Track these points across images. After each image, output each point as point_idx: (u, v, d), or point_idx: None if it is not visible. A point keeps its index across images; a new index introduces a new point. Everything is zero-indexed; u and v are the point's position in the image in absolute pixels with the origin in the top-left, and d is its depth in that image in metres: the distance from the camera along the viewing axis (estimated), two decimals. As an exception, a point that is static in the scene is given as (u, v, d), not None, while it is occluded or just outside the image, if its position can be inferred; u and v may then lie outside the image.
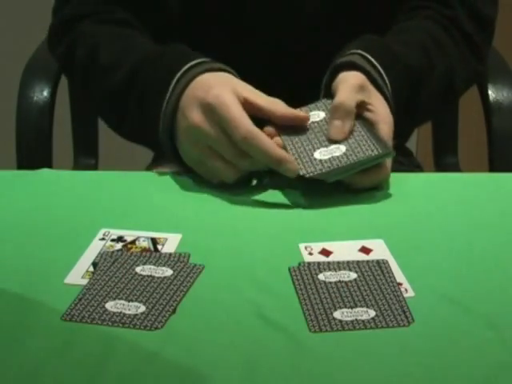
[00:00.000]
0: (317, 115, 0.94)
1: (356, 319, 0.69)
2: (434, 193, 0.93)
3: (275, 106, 0.92)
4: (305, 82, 1.04)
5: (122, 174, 0.97)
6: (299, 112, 0.93)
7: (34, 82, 1.25)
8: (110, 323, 0.69)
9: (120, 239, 0.82)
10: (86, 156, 1.42)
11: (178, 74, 0.94)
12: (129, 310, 0.70)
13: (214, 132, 0.89)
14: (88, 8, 1.10)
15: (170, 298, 0.72)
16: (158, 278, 0.75)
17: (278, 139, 0.91)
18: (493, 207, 0.90)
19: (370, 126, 0.91)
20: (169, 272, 0.76)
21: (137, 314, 0.70)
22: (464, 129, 1.45)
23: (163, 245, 0.81)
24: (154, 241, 0.81)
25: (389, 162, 0.92)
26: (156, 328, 0.68)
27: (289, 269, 0.77)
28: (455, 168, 1.40)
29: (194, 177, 0.95)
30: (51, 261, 0.78)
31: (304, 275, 0.75)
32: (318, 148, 0.90)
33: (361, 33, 1.02)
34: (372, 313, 0.70)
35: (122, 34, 1.06)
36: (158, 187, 0.94)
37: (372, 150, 0.88)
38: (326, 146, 0.90)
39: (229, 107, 0.88)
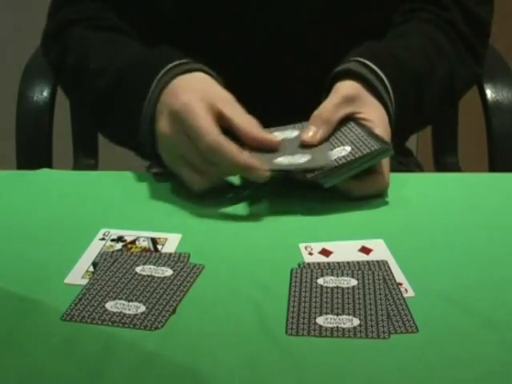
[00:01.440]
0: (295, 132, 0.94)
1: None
2: (433, 193, 0.93)
3: (249, 126, 0.89)
4: (302, 85, 1.04)
5: (121, 174, 0.97)
6: (272, 137, 0.90)
7: (34, 83, 1.25)
8: (109, 323, 0.69)
9: (120, 239, 0.82)
10: (86, 156, 1.42)
11: (159, 75, 0.93)
12: (129, 309, 0.70)
13: (181, 141, 0.88)
14: (82, 14, 1.09)
15: (170, 298, 0.72)
16: (158, 277, 0.75)
17: (272, 136, 0.91)
18: (493, 207, 0.90)
19: (367, 128, 0.91)
20: (169, 272, 0.76)
21: (137, 314, 0.70)
22: (464, 129, 1.45)
23: (163, 245, 0.81)
24: (154, 241, 0.82)
25: (386, 169, 0.91)
26: (156, 328, 0.68)
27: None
28: (455, 168, 1.40)
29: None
30: (51, 261, 0.78)
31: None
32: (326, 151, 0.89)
33: (358, 34, 1.02)
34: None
35: (112, 40, 1.05)
36: (157, 187, 0.94)
37: (372, 146, 0.87)
38: (331, 149, 0.89)
39: (195, 115, 0.87)
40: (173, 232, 0.83)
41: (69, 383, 0.62)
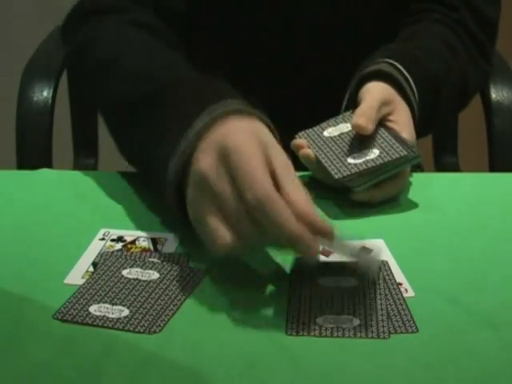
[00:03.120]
0: (345, 126, 0.93)
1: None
2: (434, 193, 0.93)
3: (305, 205, 0.71)
4: (315, 85, 1.05)
5: (121, 174, 0.97)
6: (326, 225, 0.72)
7: (34, 83, 1.25)
8: (110, 324, 0.69)
9: (120, 239, 0.82)
10: (86, 156, 1.42)
11: (209, 109, 0.76)
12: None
13: (222, 183, 0.71)
14: (110, 3, 1.02)
15: (171, 303, 0.72)
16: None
17: (308, 151, 0.90)
18: (493, 207, 0.90)
19: (395, 132, 0.91)
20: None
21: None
22: (464, 129, 1.45)
23: (163, 245, 0.81)
24: (154, 241, 0.82)
25: (407, 174, 0.91)
26: (154, 332, 0.68)
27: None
28: (455, 168, 1.40)
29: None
30: (51, 261, 0.78)
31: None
32: (351, 154, 0.89)
33: (366, 36, 1.02)
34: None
35: (153, 44, 0.95)
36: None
37: (402, 152, 0.87)
38: (360, 151, 0.89)
39: (250, 159, 0.70)
40: (173, 232, 0.83)
41: (69, 383, 0.63)
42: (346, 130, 0.93)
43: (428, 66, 1.01)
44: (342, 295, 0.72)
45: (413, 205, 0.90)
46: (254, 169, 0.69)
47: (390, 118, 0.92)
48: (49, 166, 1.19)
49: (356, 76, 0.97)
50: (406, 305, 0.71)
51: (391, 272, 0.76)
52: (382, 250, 0.80)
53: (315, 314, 0.70)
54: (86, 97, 1.00)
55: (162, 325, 0.69)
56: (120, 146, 0.91)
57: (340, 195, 0.90)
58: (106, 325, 0.68)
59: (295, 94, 1.12)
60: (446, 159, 1.42)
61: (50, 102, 1.23)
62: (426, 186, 0.95)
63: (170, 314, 0.70)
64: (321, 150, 0.91)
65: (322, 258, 0.78)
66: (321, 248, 0.79)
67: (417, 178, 0.99)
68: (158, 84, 0.85)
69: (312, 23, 1.09)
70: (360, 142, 0.90)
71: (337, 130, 0.93)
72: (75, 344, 0.67)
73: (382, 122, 0.92)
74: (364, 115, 0.89)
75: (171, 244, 0.81)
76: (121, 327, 0.68)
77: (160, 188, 0.78)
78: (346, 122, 0.94)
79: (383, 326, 0.68)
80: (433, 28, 1.08)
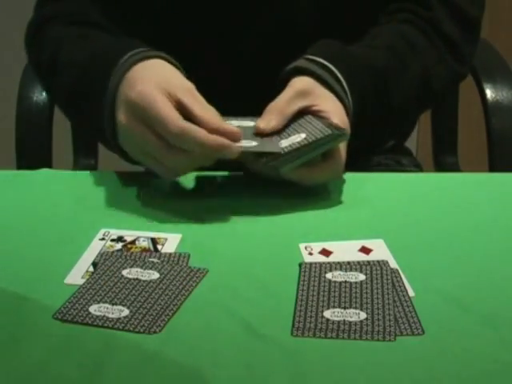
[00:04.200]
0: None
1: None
2: (433, 193, 0.93)
3: (209, 116, 0.85)
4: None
5: (121, 174, 0.97)
6: (232, 127, 0.86)
7: (34, 83, 1.25)
8: (110, 324, 0.69)
9: (120, 239, 0.82)
10: (86, 156, 1.42)
11: (118, 66, 0.91)
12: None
13: (141, 132, 0.85)
14: (65, 10, 1.08)
15: (171, 302, 0.72)
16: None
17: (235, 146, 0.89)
18: (493, 207, 0.90)
19: (322, 118, 0.91)
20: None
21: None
22: (464, 129, 1.45)
23: (163, 245, 0.81)
24: (154, 241, 0.81)
25: (340, 155, 0.90)
26: (154, 332, 0.68)
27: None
28: (455, 168, 1.40)
29: (194, 177, 0.95)
30: (51, 261, 0.78)
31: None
32: (279, 140, 0.89)
33: (349, 38, 1.02)
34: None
35: (85, 34, 1.03)
36: (157, 187, 0.94)
37: (327, 131, 0.88)
38: (287, 138, 0.90)
39: (154, 103, 0.84)
40: (173, 232, 0.83)
41: (69, 383, 0.63)
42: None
43: (367, 60, 1.00)
44: (350, 289, 0.73)
45: (413, 205, 0.90)
46: (160, 110, 0.83)
47: (314, 108, 0.92)
48: (49, 166, 1.19)
49: (280, 76, 0.97)
50: (413, 306, 0.71)
51: (399, 273, 0.76)
52: (382, 249, 0.80)
53: (322, 308, 0.70)
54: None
55: (162, 325, 0.69)
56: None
57: (340, 195, 0.90)
58: (105, 325, 0.68)
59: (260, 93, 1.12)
60: (446, 159, 1.42)
61: (49, 102, 1.23)
62: (425, 186, 0.95)
63: (170, 314, 0.70)
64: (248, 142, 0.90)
65: (322, 258, 0.79)
66: (321, 248, 0.80)
67: (417, 178, 0.99)
68: (81, 67, 0.97)
69: (296, 22, 1.09)
70: (287, 130, 0.91)
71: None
72: (75, 344, 0.67)
73: (310, 112, 0.92)
74: (266, 115, 0.91)
75: (171, 244, 0.81)
76: (121, 327, 0.68)
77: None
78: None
79: (390, 326, 0.68)
80: (395, 27, 1.07)
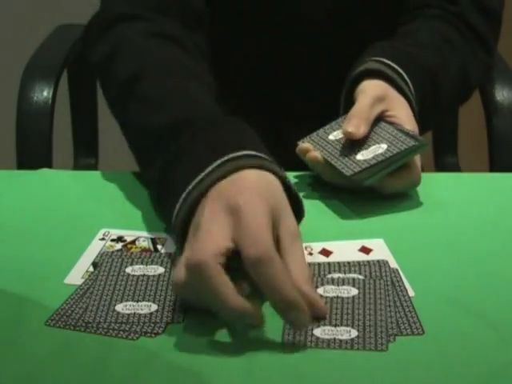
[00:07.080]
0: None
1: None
2: (434, 193, 0.93)
3: (303, 278, 0.69)
4: (315, 87, 1.05)
5: (121, 174, 0.97)
6: (321, 301, 0.70)
7: (34, 83, 1.25)
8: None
9: (120, 239, 0.82)
10: (86, 156, 1.42)
11: (222, 160, 0.74)
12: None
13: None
14: (135, 11, 0.98)
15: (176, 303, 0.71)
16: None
17: (315, 153, 0.90)
18: (493, 207, 0.90)
19: (398, 125, 0.91)
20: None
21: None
22: (464, 129, 1.45)
23: (163, 245, 0.81)
24: (154, 241, 0.82)
25: (419, 163, 0.91)
26: (157, 333, 0.68)
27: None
28: (455, 168, 1.40)
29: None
30: (51, 261, 0.78)
31: None
32: (359, 151, 0.89)
33: (367, 33, 1.02)
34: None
35: (173, 65, 0.91)
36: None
37: (410, 142, 0.87)
38: (367, 148, 0.89)
39: (257, 217, 0.68)
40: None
41: (69, 383, 0.63)
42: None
43: (421, 60, 1.00)
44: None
45: (413, 205, 0.90)
46: (259, 228, 0.67)
47: (389, 113, 0.92)
48: (49, 166, 1.19)
49: (347, 79, 0.97)
50: (413, 306, 0.71)
51: (399, 274, 0.76)
52: (382, 249, 0.80)
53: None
54: (111, 110, 0.95)
55: (163, 326, 0.69)
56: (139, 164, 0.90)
57: (340, 195, 0.90)
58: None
59: (296, 95, 1.13)
60: (446, 159, 1.42)
61: (49, 102, 1.23)
62: (425, 185, 0.95)
63: (171, 314, 0.70)
64: (328, 152, 0.91)
65: (322, 258, 0.78)
66: (321, 248, 0.80)
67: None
68: (172, 118, 0.83)
69: (313, 22, 1.09)
70: (366, 139, 0.90)
71: (341, 132, 0.92)
72: (75, 344, 0.67)
73: (382, 118, 0.92)
74: (353, 120, 0.90)
75: (171, 244, 0.81)
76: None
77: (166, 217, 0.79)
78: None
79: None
80: (429, 24, 1.08)
